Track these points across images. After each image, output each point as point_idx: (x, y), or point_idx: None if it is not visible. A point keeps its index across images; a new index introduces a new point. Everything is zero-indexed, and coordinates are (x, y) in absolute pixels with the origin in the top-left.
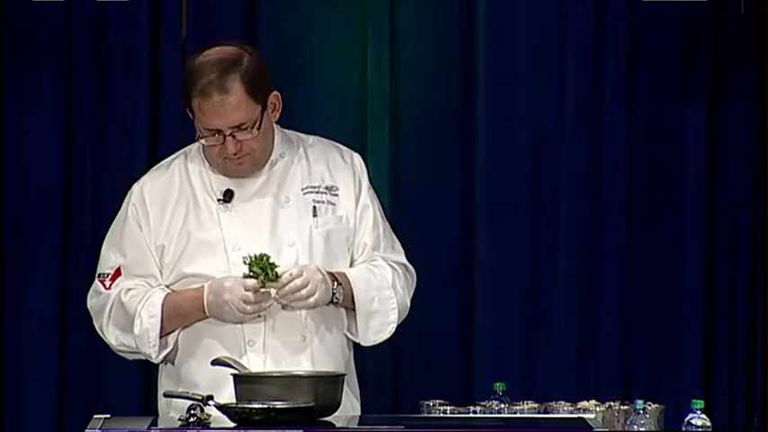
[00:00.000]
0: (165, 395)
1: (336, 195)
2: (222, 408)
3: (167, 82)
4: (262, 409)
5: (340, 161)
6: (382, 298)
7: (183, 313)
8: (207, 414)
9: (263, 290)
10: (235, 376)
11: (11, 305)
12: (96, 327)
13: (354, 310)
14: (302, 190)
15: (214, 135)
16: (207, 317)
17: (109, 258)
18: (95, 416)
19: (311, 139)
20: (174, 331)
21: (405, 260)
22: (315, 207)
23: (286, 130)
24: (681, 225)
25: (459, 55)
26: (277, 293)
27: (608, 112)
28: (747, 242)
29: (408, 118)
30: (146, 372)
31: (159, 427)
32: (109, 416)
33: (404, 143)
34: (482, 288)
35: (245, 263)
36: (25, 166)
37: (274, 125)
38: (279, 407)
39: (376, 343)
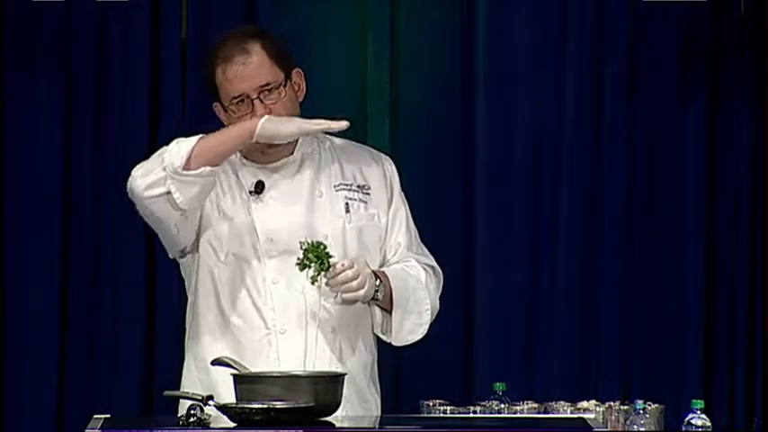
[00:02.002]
0: (166, 395)
1: (368, 194)
2: (222, 408)
3: (167, 82)
4: (262, 409)
5: (372, 162)
6: (417, 299)
7: (221, 137)
8: (207, 414)
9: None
10: (235, 376)
11: (11, 305)
12: (128, 187)
13: (390, 309)
14: (334, 187)
15: (242, 102)
16: (251, 139)
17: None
18: (95, 416)
19: (341, 140)
20: (208, 162)
21: (434, 263)
22: (347, 204)
23: None
24: (681, 225)
25: (459, 55)
26: (328, 282)
27: (608, 112)
28: (747, 242)
29: (408, 118)
30: (146, 372)
31: (159, 427)
32: (109, 416)
33: (404, 143)
34: (482, 288)
35: (301, 248)
36: (25, 166)
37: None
38: (279, 407)
39: (408, 343)
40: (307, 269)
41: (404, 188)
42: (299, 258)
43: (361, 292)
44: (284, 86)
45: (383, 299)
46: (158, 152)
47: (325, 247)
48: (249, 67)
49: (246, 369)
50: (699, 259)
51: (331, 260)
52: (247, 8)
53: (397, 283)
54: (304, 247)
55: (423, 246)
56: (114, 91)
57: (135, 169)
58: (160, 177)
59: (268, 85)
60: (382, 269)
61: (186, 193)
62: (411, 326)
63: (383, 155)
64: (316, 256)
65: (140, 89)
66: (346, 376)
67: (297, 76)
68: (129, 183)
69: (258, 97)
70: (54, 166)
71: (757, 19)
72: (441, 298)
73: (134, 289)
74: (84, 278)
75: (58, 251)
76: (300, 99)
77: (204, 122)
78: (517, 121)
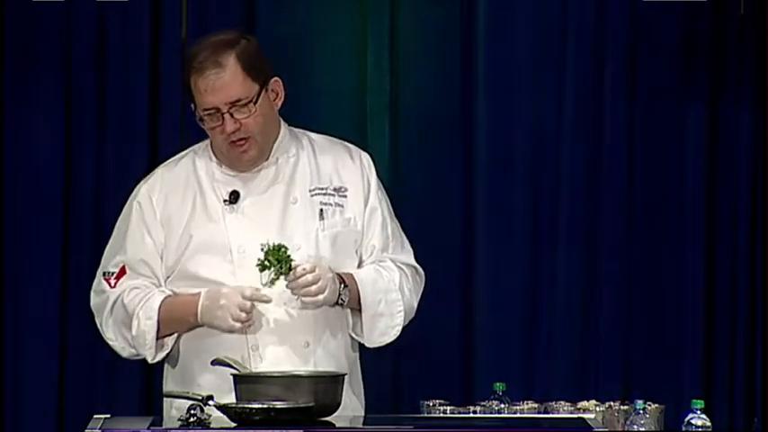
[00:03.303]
0: (166, 395)
1: (345, 197)
2: (222, 408)
3: (167, 82)
4: (262, 409)
5: (349, 161)
6: (389, 300)
7: (175, 318)
8: (207, 414)
9: (261, 300)
10: (235, 376)
11: (11, 305)
12: (97, 323)
13: (361, 311)
14: (310, 191)
15: (213, 115)
16: (198, 324)
17: (114, 256)
18: (95, 416)
19: (318, 136)
20: (172, 334)
21: (413, 261)
22: (322, 210)
23: (292, 128)
24: (681, 225)
25: (459, 55)
26: (288, 285)
27: (608, 112)
28: (747, 242)
29: (408, 118)
30: (146, 372)
31: (159, 427)
32: (109, 416)
33: (404, 143)
34: (482, 288)
35: (261, 250)
36: (25, 166)
37: (281, 121)
38: (279, 407)
39: (381, 345)
40: (266, 270)
41: (401, 188)
42: (259, 259)
43: (320, 297)
44: (255, 103)
45: (350, 302)
46: (123, 308)
47: (286, 250)
48: (221, 81)
49: (247, 369)
50: (699, 259)
51: (293, 263)
52: (247, 8)
53: (366, 285)
54: (265, 249)
55: (405, 242)
56: (114, 91)
57: (93, 300)
58: (131, 349)
59: (239, 101)
60: (351, 272)
61: (159, 353)
62: (383, 328)
63: (362, 151)
64: (276, 259)
65: (140, 89)
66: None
67: (275, 84)
68: (92, 307)
69: (229, 112)
70: (54, 166)
71: (757, 19)
72: (440, 298)
73: None
74: (84, 279)
75: (58, 251)
76: (278, 107)
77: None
78: (517, 120)
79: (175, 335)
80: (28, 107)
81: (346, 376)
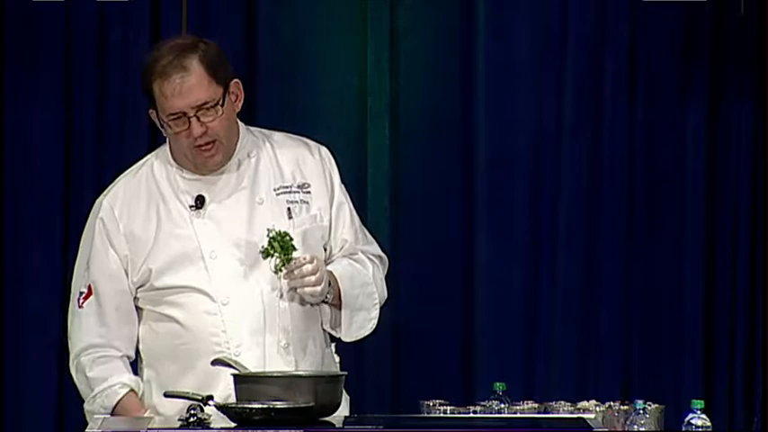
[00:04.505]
0: (166, 395)
1: (309, 193)
2: (222, 408)
3: None
4: (262, 409)
5: (309, 157)
6: (366, 294)
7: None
8: (207, 414)
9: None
10: (235, 376)
11: (11, 305)
12: (69, 337)
13: (339, 305)
14: (275, 191)
15: (178, 119)
16: None
17: (81, 276)
18: (95, 416)
19: (276, 134)
20: None
21: (379, 251)
22: (289, 209)
23: (249, 127)
24: (681, 225)
25: (459, 55)
26: (286, 274)
27: (608, 112)
28: (747, 242)
29: (408, 118)
30: None
31: (159, 427)
32: (109, 416)
33: (404, 143)
34: (482, 288)
35: (267, 236)
36: (25, 165)
37: (238, 121)
38: (279, 407)
39: (357, 338)
40: (270, 258)
41: (401, 188)
42: (263, 246)
43: (318, 288)
44: (221, 104)
45: (332, 299)
46: (85, 378)
47: (291, 239)
48: (186, 85)
49: (247, 369)
50: (698, 259)
51: (294, 253)
52: (247, 8)
53: (344, 281)
54: (270, 235)
55: (367, 233)
56: (114, 91)
57: (69, 321)
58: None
59: (206, 104)
60: (329, 267)
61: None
62: (361, 322)
63: (321, 146)
64: (281, 246)
65: (140, 89)
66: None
67: (235, 86)
68: (70, 346)
69: (195, 115)
70: (54, 166)
71: (757, 19)
72: (440, 298)
73: None
74: None
75: (58, 251)
76: (238, 109)
77: None
78: (517, 120)
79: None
80: (28, 107)
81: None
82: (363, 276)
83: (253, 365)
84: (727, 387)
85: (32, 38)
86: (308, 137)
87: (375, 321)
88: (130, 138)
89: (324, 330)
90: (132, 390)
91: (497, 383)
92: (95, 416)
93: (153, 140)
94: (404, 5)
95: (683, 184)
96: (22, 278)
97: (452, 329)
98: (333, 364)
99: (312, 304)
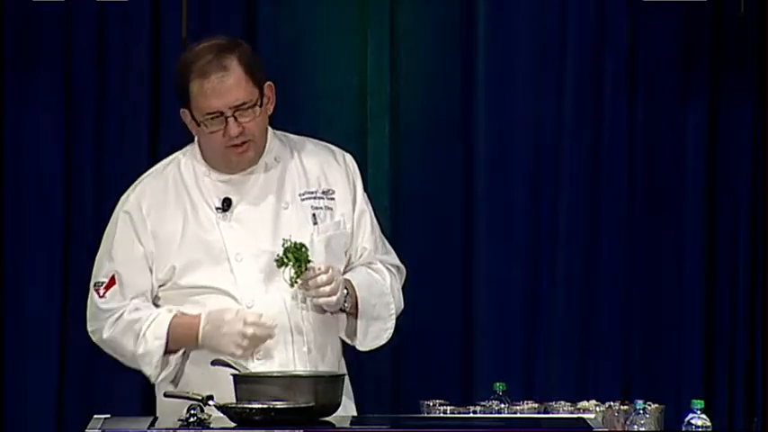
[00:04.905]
0: (166, 395)
1: (333, 199)
2: (222, 408)
3: (167, 82)
4: (262, 409)
5: (334, 163)
6: (383, 304)
7: (176, 338)
8: (207, 414)
9: (263, 327)
10: (235, 376)
11: (11, 305)
12: (89, 330)
13: (355, 314)
14: (300, 196)
15: (215, 119)
16: (198, 347)
17: (103, 267)
18: (95, 416)
19: (301, 140)
20: (176, 352)
21: (397, 261)
22: (314, 214)
23: (275, 131)
24: (681, 225)
25: (459, 55)
26: (302, 285)
27: (608, 112)
28: (747, 242)
29: (408, 118)
30: None
31: (159, 427)
32: (109, 416)
33: (404, 143)
34: (482, 288)
35: (282, 245)
36: (25, 166)
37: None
38: (279, 407)
39: (372, 348)
40: (284, 267)
41: (401, 188)
42: (278, 255)
43: (333, 298)
44: (259, 105)
45: (350, 308)
46: (127, 325)
47: (306, 250)
48: (226, 85)
49: (247, 369)
50: (699, 259)
51: (309, 264)
52: (247, 8)
53: (363, 291)
54: (285, 245)
55: (386, 243)
56: (114, 91)
57: (89, 311)
58: (132, 364)
59: (244, 104)
60: (347, 275)
61: (163, 372)
62: (376, 331)
63: (346, 153)
64: (295, 258)
65: (140, 89)
66: None
67: (268, 90)
68: (92, 330)
69: (233, 115)
70: (54, 167)
71: (757, 19)
72: (440, 298)
73: None
74: (84, 279)
75: (58, 251)
76: (270, 112)
77: None
78: (517, 120)
79: (180, 353)
80: (28, 107)
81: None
82: (381, 286)
83: (278, 369)
84: (727, 387)
85: (32, 38)
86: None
87: (391, 332)
88: (130, 138)
89: (340, 339)
90: (175, 315)
91: (497, 383)
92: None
93: (153, 140)
94: (404, 5)
95: (683, 184)
96: (22, 278)
97: (452, 329)
98: (345, 375)
99: (331, 312)
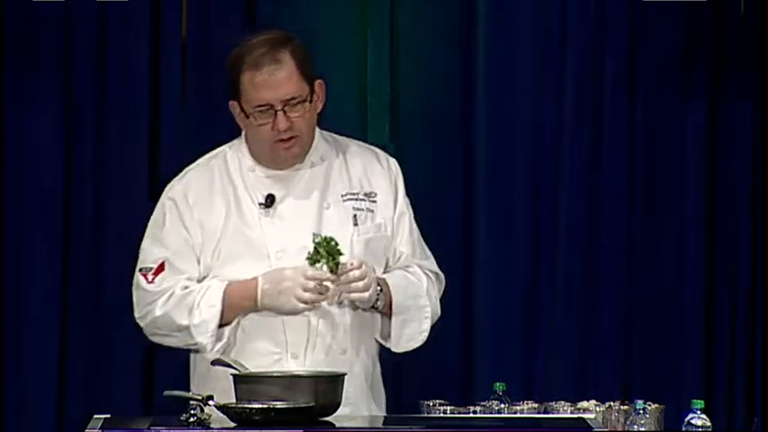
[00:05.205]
0: (166, 395)
1: (375, 202)
2: (222, 408)
3: (167, 82)
4: (262, 409)
5: (377, 166)
6: (417, 306)
7: (233, 304)
8: (207, 414)
9: (324, 279)
10: (235, 376)
11: (11, 305)
12: (137, 316)
13: (390, 316)
14: (342, 197)
15: (265, 112)
16: (257, 308)
17: (152, 252)
18: (95, 416)
19: (346, 141)
20: (229, 324)
21: (436, 267)
22: (355, 215)
23: (322, 131)
24: (681, 225)
25: (459, 55)
26: (334, 281)
27: (608, 112)
28: (747, 242)
29: (408, 118)
30: (146, 372)
31: (159, 427)
32: (109, 416)
33: (404, 143)
34: (482, 288)
35: (313, 241)
36: (25, 166)
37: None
38: (279, 407)
39: (407, 350)
40: (318, 263)
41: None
42: (309, 252)
43: (366, 294)
44: (309, 101)
45: (383, 307)
46: (179, 299)
47: (336, 244)
48: (277, 78)
49: (246, 369)
50: (699, 259)
51: (342, 258)
52: (247, 8)
53: (398, 291)
54: (316, 241)
55: (426, 249)
56: (114, 91)
57: (135, 295)
58: (187, 339)
59: (294, 98)
60: (383, 276)
61: (217, 343)
62: (411, 333)
63: (390, 158)
64: (327, 252)
65: (140, 89)
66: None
67: (318, 87)
68: (141, 315)
69: (282, 109)
70: (54, 166)
71: (757, 19)
72: (441, 298)
73: None
74: (84, 278)
75: (58, 251)
76: (319, 110)
77: (204, 122)
78: (517, 120)
79: (233, 324)
80: (28, 107)
81: (367, 385)
82: (417, 288)
83: (311, 368)
84: (727, 387)
85: (32, 38)
86: None
87: (426, 335)
88: (130, 138)
89: (376, 342)
90: (228, 283)
91: (497, 383)
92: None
93: (153, 140)
94: (404, 5)
95: (683, 184)
96: (23, 278)
97: (452, 329)
98: (378, 380)
99: (364, 310)
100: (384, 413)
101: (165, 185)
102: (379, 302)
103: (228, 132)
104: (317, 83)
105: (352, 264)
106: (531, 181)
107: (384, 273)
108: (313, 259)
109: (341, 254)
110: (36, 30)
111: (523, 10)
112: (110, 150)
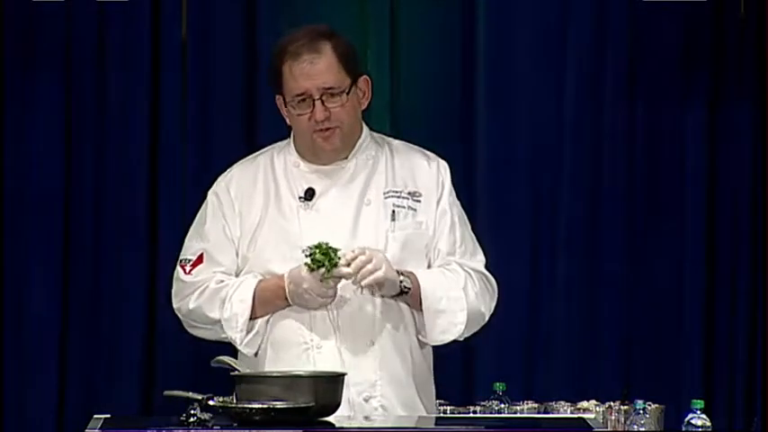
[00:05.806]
0: (166, 395)
1: (419, 201)
2: (222, 408)
3: (167, 82)
4: (262, 409)
5: (425, 167)
6: (451, 298)
7: (266, 300)
8: (207, 414)
9: (329, 277)
10: (235, 376)
11: (11, 305)
12: (175, 307)
13: (421, 308)
14: (384, 194)
15: (303, 101)
16: (290, 304)
17: (191, 246)
18: (95, 416)
19: (396, 142)
20: (261, 317)
21: (483, 268)
22: (394, 211)
23: (372, 132)
24: (681, 225)
25: (459, 55)
26: (344, 271)
27: (608, 112)
28: (747, 242)
29: (408, 118)
30: (146, 372)
31: (159, 427)
32: (109, 416)
33: None
34: None
35: (305, 255)
36: (25, 166)
37: (362, 120)
38: (279, 407)
39: (444, 342)
40: (318, 270)
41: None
42: (306, 264)
43: (380, 273)
44: (348, 93)
45: (412, 296)
46: (213, 293)
47: (327, 244)
48: (316, 67)
49: (246, 370)
50: (699, 259)
51: (339, 252)
52: (248, 8)
53: (427, 282)
54: (307, 253)
55: (478, 250)
56: (114, 91)
57: (174, 287)
58: (219, 332)
59: (332, 89)
60: (410, 270)
61: (248, 336)
62: (444, 325)
63: (440, 160)
64: (323, 254)
65: (140, 89)
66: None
67: (363, 83)
68: (178, 306)
69: (320, 98)
70: (54, 166)
71: (757, 19)
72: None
73: (134, 289)
74: (84, 278)
75: (58, 251)
76: (364, 107)
77: (204, 122)
78: (517, 121)
79: (265, 318)
80: (28, 107)
81: (401, 380)
82: (451, 282)
83: (335, 364)
84: (727, 387)
85: (32, 38)
86: None
87: (462, 327)
88: (130, 138)
89: (419, 340)
90: (261, 279)
91: (497, 383)
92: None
93: (153, 140)
94: (404, 5)
95: (683, 185)
96: (23, 278)
97: None
98: (428, 380)
99: (391, 297)
100: (423, 412)
101: (164, 185)
102: (406, 285)
103: (228, 132)
104: (363, 78)
105: (353, 251)
106: (531, 181)
107: None
108: (312, 267)
109: (336, 249)
110: (36, 30)
111: (523, 10)
112: (110, 150)
